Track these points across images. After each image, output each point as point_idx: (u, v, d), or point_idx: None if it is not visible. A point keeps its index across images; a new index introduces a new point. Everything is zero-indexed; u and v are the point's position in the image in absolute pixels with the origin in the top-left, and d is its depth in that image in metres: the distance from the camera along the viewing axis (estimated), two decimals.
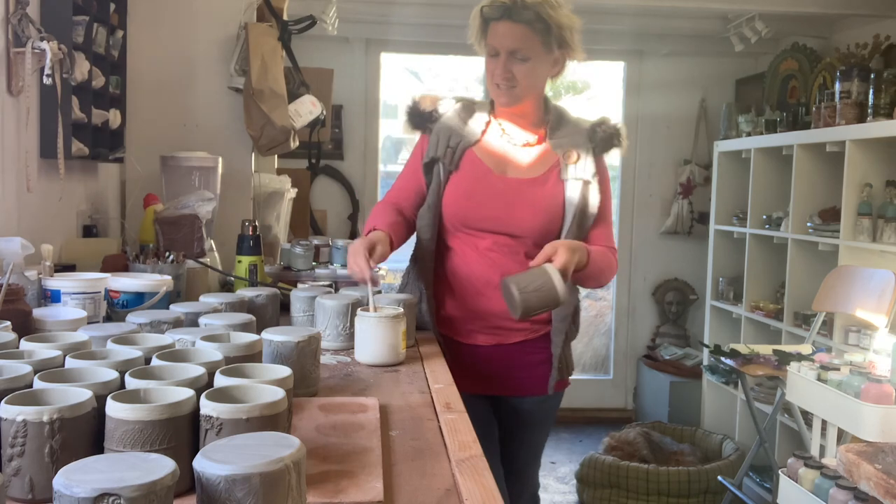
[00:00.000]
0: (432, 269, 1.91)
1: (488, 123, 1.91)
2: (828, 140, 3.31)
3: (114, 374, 0.96)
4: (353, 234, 4.65)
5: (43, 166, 2.04)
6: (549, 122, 1.91)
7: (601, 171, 1.88)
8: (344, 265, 2.41)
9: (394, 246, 1.84)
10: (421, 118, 1.94)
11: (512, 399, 1.94)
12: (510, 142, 1.89)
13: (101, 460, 0.70)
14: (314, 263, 2.39)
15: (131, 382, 0.94)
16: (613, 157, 1.92)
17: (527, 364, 1.90)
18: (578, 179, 1.84)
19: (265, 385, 0.95)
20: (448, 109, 1.93)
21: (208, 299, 1.63)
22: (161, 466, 0.67)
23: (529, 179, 1.86)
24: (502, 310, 1.79)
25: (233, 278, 2.10)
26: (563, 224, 1.84)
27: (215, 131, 2.67)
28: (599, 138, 1.88)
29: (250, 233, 2.10)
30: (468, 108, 1.93)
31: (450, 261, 1.90)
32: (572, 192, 1.83)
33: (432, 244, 1.90)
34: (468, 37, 1.87)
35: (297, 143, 2.61)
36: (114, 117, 2.37)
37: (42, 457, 0.83)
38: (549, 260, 1.65)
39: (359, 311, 1.60)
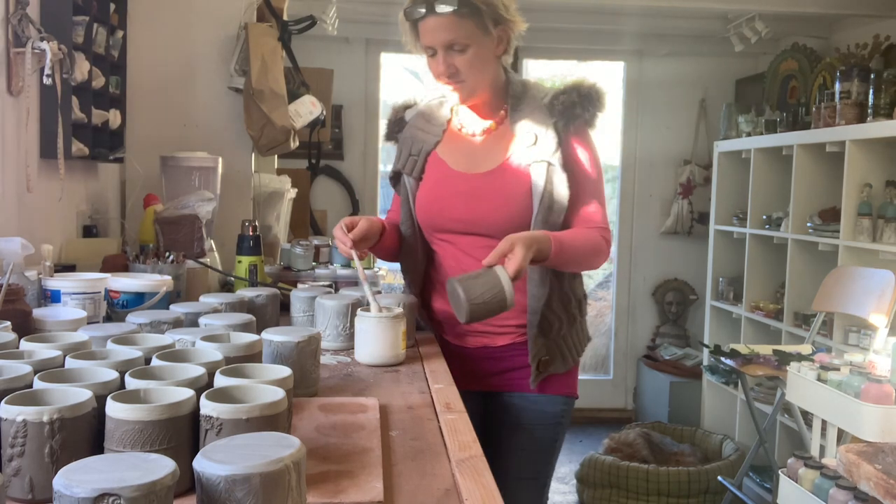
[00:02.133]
0: (422, 274, 1.87)
1: (449, 120, 1.84)
2: (828, 140, 3.31)
3: (114, 375, 0.96)
4: None
5: (43, 166, 2.04)
6: (510, 102, 1.77)
7: (569, 149, 1.72)
8: (344, 265, 2.41)
9: (385, 235, 1.82)
10: (391, 128, 1.92)
11: (501, 395, 1.84)
12: (469, 133, 1.80)
13: (101, 460, 0.69)
14: (314, 263, 2.39)
15: (131, 382, 0.94)
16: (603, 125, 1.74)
17: (516, 366, 1.81)
18: (541, 162, 1.69)
19: (265, 385, 0.95)
20: (412, 115, 1.88)
21: (208, 299, 1.63)
22: (161, 466, 0.67)
23: (486, 172, 1.75)
24: None
25: (233, 278, 2.10)
26: (532, 213, 1.69)
27: (215, 131, 2.66)
28: (558, 111, 1.71)
29: (250, 233, 2.10)
30: (432, 108, 1.86)
31: (437, 265, 1.86)
32: (537, 176, 1.69)
33: (418, 254, 1.86)
34: (404, 45, 1.77)
35: (297, 143, 2.61)
36: (114, 117, 2.37)
37: (42, 457, 0.83)
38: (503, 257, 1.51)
39: (359, 311, 1.60)
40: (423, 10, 1.66)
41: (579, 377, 1.92)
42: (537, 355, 1.76)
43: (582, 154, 1.74)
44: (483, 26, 1.68)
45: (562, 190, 1.69)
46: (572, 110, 1.70)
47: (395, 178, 1.89)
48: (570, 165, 1.71)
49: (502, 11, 1.70)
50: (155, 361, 1.03)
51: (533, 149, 1.71)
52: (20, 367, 0.97)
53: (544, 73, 5.58)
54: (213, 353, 1.09)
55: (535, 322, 1.74)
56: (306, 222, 3.84)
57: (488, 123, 1.79)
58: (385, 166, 5.15)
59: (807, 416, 2.87)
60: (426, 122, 1.85)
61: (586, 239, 1.68)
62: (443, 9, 1.65)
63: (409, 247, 1.87)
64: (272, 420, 0.87)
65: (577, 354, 1.85)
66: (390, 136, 1.93)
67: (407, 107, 1.92)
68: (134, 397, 0.90)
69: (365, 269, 1.72)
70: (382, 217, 1.99)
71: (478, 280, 1.48)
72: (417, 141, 1.84)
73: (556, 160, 1.69)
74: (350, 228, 1.71)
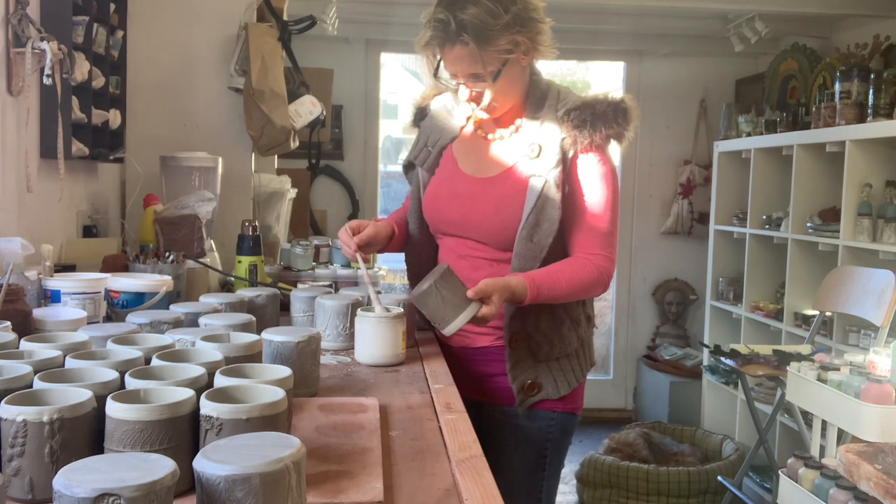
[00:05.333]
0: (426, 268, 1.80)
1: (469, 117, 1.79)
2: (828, 140, 3.31)
3: (114, 375, 0.96)
4: None
5: (43, 166, 2.04)
6: (528, 109, 1.71)
7: (573, 169, 1.64)
8: (344, 265, 2.41)
9: (395, 239, 1.82)
10: (416, 115, 1.89)
11: (484, 406, 1.77)
12: (484, 135, 1.75)
13: (101, 460, 0.69)
14: (314, 263, 2.39)
15: (131, 382, 0.94)
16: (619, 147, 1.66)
17: (493, 372, 1.74)
18: (539, 176, 1.62)
19: (265, 385, 0.95)
20: (437, 105, 1.84)
21: (208, 299, 1.62)
22: (161, 466, 0.67)
23: (487, 178, 1.70)
24: None
25: (233, 278, 2.10)
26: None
27: (215, 131, 2.67)
28: (567, 128, 1.63)
29: (250, 233, 2.10)
30: (457, 101, 1.79)
31: (438, 262, 1.80)
32: (531, 190, 1.62)
33: (423, 246, 1.84)
34: (429, 71, 1.71)
35: (297, 143, 2.61)
36: (114, 117, 2.37)
37: (42, 457, 0.83)
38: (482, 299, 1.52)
39: (359, 311, 1.60)
40: (442, 39, 1.61)
41: None
42: (519, 377, 1.68)
43: (588, 175, 1.65)
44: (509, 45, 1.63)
45: (553, 209, 1.61)
46: (581, 129, 1.62)
47: (408, 167, 1.86)
48: (570, 185, 1.64)
49: (528, 23, 1.64)
50: (155, 361, 1.03)
51: (535, 161, 1.65)
52: (20, 367, 0.97)
53: (544, 73, 5.58)
54: (213, 353, 1.09)
55: (512, 328, 1.67)
56: (306, 222, 3.84)
57: (506, 129, 1.73)
58: (385, 166, 5.16)
59: (807, 416, 2.87)
60: (448, 115, 1.81)
61: (573, 276, 1.61)
62: (458, 39, 1.59)
63: (415, 239, 1.85)
64: (272, 420, 0.87)
65: (575, 381, 1.74)
66: (414, 122, 1.89)
67: (435, 94, 1.87)
68: (134, 397, 0.90)
69: (367, 269, 1.72)
70: (384, 216, 1.98)
71: (450, 295, 1.52)
72: (435, 132, 1.81)
73: (553, 177, 1.62)
74: (356, 232, 1.71)
